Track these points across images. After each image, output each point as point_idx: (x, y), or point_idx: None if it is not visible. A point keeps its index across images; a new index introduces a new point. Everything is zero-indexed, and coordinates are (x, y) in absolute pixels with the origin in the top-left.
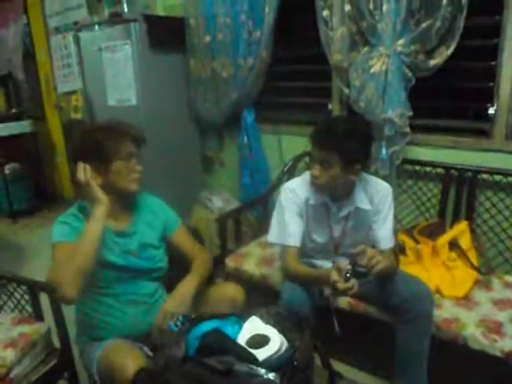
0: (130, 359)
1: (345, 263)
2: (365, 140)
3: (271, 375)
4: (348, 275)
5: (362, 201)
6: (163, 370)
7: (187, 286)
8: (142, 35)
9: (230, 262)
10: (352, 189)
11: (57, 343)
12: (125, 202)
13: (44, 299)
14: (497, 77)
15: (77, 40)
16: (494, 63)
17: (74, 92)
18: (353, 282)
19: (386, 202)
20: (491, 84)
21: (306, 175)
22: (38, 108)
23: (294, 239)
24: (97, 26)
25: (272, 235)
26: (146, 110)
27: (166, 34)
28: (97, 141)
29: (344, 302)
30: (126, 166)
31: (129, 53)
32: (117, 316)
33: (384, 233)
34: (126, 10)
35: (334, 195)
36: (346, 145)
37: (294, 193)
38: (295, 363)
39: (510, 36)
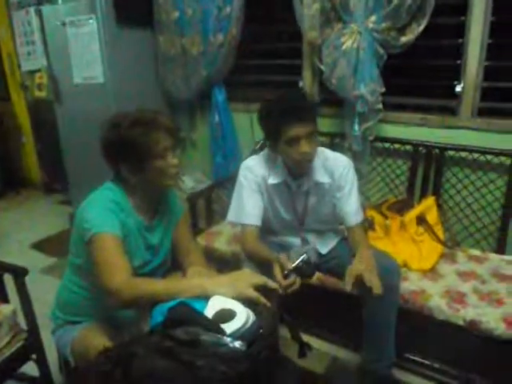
0: (107, 339)
1: (286, 261)
2: None
3: (237, 343)
4: (286, 272)
5: (321, 175)
6: (128, 344)
7: None
8: (108, 9)
9: (201, 241)
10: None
11: (24, 325)
12: (155, 196)
13: (9, 281)
14: (464, 55)
15: (39, 14)
16: (461, 41)
17: (38, 70)
18: (292, 279)
19: (348, 176)
20: (458, 62)
21: (264, 153)
22: (1, 88)
23: (252, 218)
24: (60, 0)
25: (231, 214)
26: (113, 88)
27: (133, 9)
28: (129, 139)
29: (314, 277)
30: (164, 163)
31: (94, 28)
32: (107, 308)
33: (350, 208)
34: None
35: (293, 172)
36: (315, 113)
37: (251, 170)
38: (261, 331)
39: (476, 14)
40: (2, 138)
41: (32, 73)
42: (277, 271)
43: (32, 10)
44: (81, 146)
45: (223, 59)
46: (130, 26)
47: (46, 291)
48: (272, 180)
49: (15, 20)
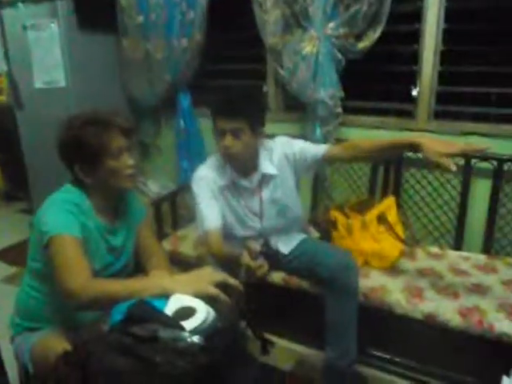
0: (68, 343)
1: (254, 245)
2: (262, 104)
3: (195, 338)
4: (255, 256)
5: (266, 167)
6: (86, 343)
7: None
8: (70, 14)
9: (167, 245)
10: (257, 158)
11: None
12: (115, 197)
13: None
14: (419, 60)
15: None
16: (416, 47)
17: None
18: (261, 261)
19: (289, 145)
20: (414, 67)
21: (211, 159)
22: None
23: (211, 222)
24: (20, 3)
25: (198, 228)
26: (75, 93)
27: (95, 13)
28: (81, 139)
29: (278, 277)
30: (117, 163)
31: (55, 32)
32: (67, 312)
33: (313, 147)
34: None
35: (240, 169)
36: (250, 110)
37: (201, 178)
38: (219, 325)
39: (430, 21)
40: None
41: None
42: (245, 256)
43: None
44: (43, 152)
45: (187, 64)
46: (92, 30)
47: (6, 301)
48: (220, 182)
49: None
